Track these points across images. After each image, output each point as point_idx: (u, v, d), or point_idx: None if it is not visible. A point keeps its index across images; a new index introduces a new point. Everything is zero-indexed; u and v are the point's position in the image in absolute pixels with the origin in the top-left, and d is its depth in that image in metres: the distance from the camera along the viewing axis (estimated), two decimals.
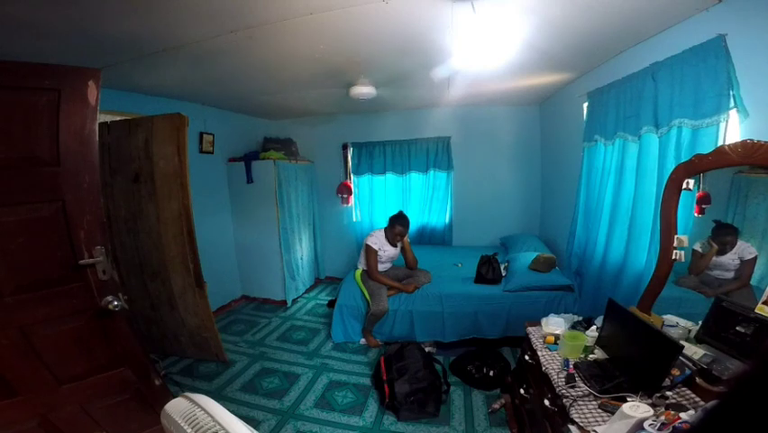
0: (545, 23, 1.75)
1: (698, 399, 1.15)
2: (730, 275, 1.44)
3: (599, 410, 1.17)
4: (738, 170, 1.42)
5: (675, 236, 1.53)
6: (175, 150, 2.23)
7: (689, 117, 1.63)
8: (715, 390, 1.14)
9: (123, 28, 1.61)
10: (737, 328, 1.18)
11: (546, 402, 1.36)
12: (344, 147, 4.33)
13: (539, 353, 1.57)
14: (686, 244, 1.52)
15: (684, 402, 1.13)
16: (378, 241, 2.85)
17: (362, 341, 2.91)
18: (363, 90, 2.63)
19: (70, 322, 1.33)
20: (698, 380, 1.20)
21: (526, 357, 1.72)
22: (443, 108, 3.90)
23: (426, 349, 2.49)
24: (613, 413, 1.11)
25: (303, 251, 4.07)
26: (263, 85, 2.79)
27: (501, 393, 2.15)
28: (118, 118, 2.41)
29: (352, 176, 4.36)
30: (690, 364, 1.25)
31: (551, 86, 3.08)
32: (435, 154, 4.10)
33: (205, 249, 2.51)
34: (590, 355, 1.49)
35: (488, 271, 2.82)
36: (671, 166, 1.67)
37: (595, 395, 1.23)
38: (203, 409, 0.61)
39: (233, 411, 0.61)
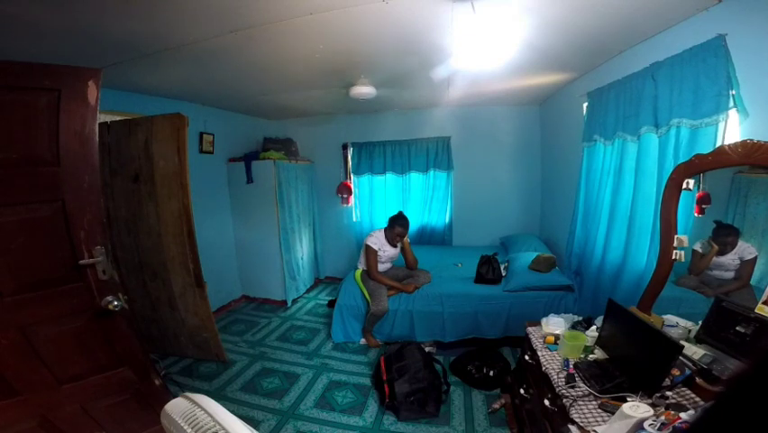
0: (545, 22, 1.75)
1: (698, 399, 1.15)
2: (730, 275, 1.44)
3: (599, 410, 1.17)
4: (738, 170, 1.42)
5: (675, 236, 1.53)
6: (175, 150, 2.23)
7: (687, 117, 1.63)
8: (715, 390, 1.14)
9: (123, 28, 1.61)
10: (737, 328, 1.19)
11: (546, 402, 1.36)
12: (344, 147, 4.33)
13: (539, 353, 1.57)
14: (686, 244, 1.52)
15: (684, 402, 1.13)
16: (378, 241, 2.85)
17: (362, 341, 2.91)
18: (363, 90, 2.63)
19: (70, 322, 1.33)
20: (698, 380, 1.20)
21: (526, 357, 1.72)
22: (443, 108, 3.90)
23: (426, 349, 2.48)
24: (613, 413, 1.11)
25: (303, 251, 4.07)
26: (263, 85, 2.79)
27: (501, 393, 2.15)
28: (118, 118, 2.41)
29: (351, 176, 4.36)
30: (690, 364, 1.25)
31: (551, 86, 3.08)
32: (435, 154, 4.10)
33: (205, 249, 2.51)
34: (590, 355, 1.48)
35: (488, 271, 2.82)
36: (670, 166, 1.67)
37: (595, 395, 1.23)
38: (203, 409, 0.61)
39: (233, 411, 0.61)
